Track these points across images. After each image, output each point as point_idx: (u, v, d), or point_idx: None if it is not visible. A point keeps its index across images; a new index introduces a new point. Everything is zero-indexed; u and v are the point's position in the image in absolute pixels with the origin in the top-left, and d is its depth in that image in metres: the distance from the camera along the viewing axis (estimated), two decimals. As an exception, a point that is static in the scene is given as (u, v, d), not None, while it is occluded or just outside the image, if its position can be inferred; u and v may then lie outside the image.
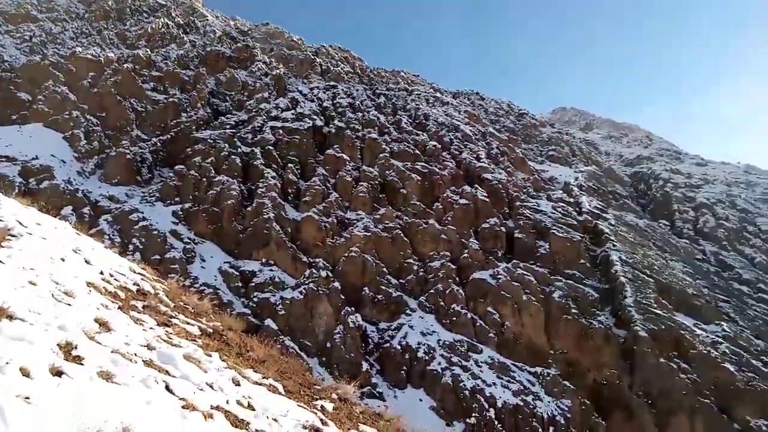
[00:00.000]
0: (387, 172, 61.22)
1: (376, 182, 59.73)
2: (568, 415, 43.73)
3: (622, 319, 52.38)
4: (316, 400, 7.48)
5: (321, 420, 6.15)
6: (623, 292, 54.48)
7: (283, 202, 53.72)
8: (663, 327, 51.19)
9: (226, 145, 59.02)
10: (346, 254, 50.04)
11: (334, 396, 8.16)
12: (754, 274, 76.93)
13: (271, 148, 60.47)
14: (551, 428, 41.83)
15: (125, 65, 66.30)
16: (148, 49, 75.59)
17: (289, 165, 59.32)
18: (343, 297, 46.46)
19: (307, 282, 46.05)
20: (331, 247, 51.05)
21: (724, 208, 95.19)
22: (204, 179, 54.43)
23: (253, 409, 5.93)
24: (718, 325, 56.81)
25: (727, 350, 52.57)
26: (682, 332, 51.99)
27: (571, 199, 72.42)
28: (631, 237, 68.23)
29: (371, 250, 51.62)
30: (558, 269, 56.81)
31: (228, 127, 64.69)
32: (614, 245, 62.24)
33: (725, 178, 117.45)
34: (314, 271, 47.15)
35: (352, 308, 46.04)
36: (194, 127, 63.14)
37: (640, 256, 62.98)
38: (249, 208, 52.16)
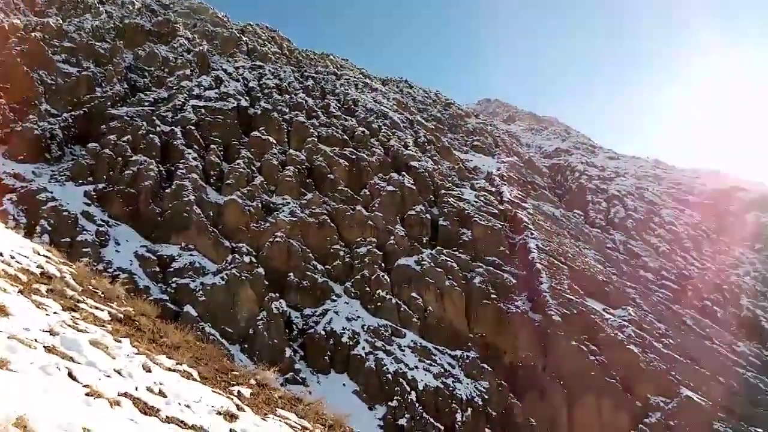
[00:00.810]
0: (314, 156, 60.64)
1: (303, 167, 59.04)
2: (486, 396, 45.46)
3: (537, 304, 54.90)
4: (234, 385, 7.33)
5: (237, 405, 6.02)
6: (539, 278, 57.03)
7: (204, 185, 52.02)
8: (575, 311, 54.08)
9: (144, 123, 56.25)
10: (271, 240, 49.25)
11: (253, 382, 8.03)
12: (659, 262, 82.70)
13: (192, 128, 58.27)
14: (469, 409, 43.34)
15: (33, 34, 61.47)
16: (59, 18, 70.43)
17: (212, 146, 57.44)
18: (266, 283, 45.76)
19: (229, 267, 44.98)
20: (255, 232, 50.06)
21: (634, 200, 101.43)
22: (119, 158, 51.66)
23: (165, 396, 5.72)
24: (624, 309, 60.71)
25: (632, 333, 56.32)
26: (593, 316, 55.19)
27: (493, 189, 74.75)
28: (548, 226, 71.42)
29: (297, 235, 51.11)
30: (479, 256, 58.64)
31: (146, 104, 61.63)
32: (532, 233, 64.93)
33: (635, 171, 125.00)
34: (237, 256, 46.12)
35: (276, 294, 45.47)
36: (110, 103, 59.64)
37: (556, 244, 66.08)
38: (168, 190, 50.10)
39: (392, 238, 55.11)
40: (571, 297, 55.99)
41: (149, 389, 5.70)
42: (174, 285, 43.48)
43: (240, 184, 52.98)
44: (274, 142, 60.90)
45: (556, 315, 52.51)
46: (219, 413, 5.58)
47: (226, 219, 49.91)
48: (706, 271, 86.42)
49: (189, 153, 54.41)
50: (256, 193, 53.07)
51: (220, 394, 6.38)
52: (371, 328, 47.13)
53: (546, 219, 74.06)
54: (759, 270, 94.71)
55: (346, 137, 66.57)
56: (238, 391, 6.92)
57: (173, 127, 57.30)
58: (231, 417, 5.59)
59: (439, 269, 53.08)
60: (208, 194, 51.46)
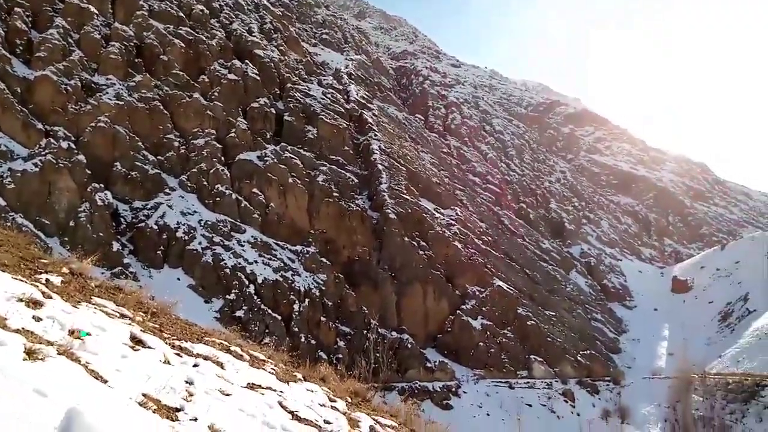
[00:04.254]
0: (145, 33, 54.16)
1: (132, 44, 52.56)
2: (323, 288, 47.48)
3: (376, 203, 57.29)
4: (41, 273, 6.55)
5: (43, 293, 5.39)
6: (380, 178, 59.09)
7: (9, 56, 44.23)
8: (409, 210, 57.44)
9: None
10: (93, 124, 44.21)
11: (65, 270, 7.25)
12: (486, 167, 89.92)
13: (-11, -16, 48.30)
14: (307, 300, 45.05)
15: None
16: None
17: (17, 10, 48.30)
18: (89, 172, 41.58)
19: (43, 153, 39.88)
20: (74, 114, 44.41)
21: (470, 108, 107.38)
22: None
23: (-52, 283, 4.91)
24: (453, 210, 65.85)
25: (457, 231, 61.66)
26: (424, 215, 59.15)
27: (341, 87, 73.91)
28: (391, 128, 73.22)
29: (124, 121, 46.44)
30: (324, 154, 58.72)
31: None
32: (376, 135, 66.22)
33: (473, 80, 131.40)
34: (52, 141, 40.92)
35: (101, 185, 41.69)
36: None
37: (397, 147, 68.33)
38: (-41, 58, 41.93)
39: (233, 130, 52.64)
40: (407, 197, 59.13)
41: (-74, 276, 4.83)
42: (-28, 170, 37.68)
43: (54, 57, 45.84)
44: (96, 12, 52.90)
45: (392, 213, 55.33)
46: (21, 300, 4.94)
47: (38, 97, 43.43)
48: (525, 177, 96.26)
49: (-15, 14, 45.39)
50: (75, 71, 46.52)
51: (23, 281, 5.64)
52: (209, 223, 45.78)
53: (390, 121, 75.66)
54: (568, 178, 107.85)
55: (182, 15, 60.06)
56: (47, 279, 6.20)
57: (-39, -20, 46.99)
58: (35, 304, 4.98)
59: (283, 166, 52.36)
60: (14, 67, 43.99)
